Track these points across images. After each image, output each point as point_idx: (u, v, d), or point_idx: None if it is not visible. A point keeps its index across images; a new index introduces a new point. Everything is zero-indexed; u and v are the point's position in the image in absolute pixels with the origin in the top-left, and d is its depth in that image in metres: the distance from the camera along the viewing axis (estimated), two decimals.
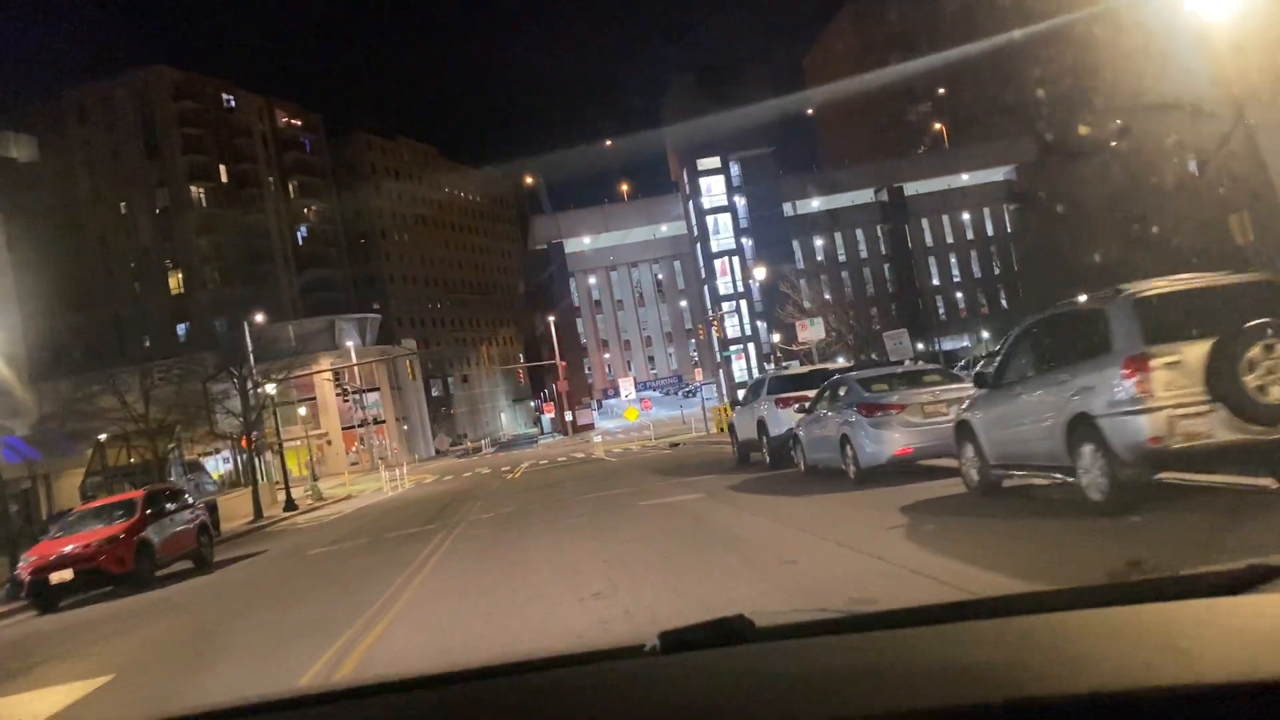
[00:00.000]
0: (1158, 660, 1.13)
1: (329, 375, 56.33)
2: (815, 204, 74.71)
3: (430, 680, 1.63)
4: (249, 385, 35.62)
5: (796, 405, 16.97)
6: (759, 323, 70.34)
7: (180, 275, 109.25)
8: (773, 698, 1.20)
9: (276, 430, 41.32)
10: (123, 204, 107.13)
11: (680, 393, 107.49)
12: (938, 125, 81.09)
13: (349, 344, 63.35)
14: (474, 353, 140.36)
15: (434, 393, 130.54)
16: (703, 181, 71.93)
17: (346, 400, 61.86)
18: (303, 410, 66.05)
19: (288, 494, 36.49)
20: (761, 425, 18.29)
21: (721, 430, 42.04)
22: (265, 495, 39.50)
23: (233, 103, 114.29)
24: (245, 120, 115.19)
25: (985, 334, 73.35)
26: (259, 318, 47.34)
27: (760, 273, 50.77)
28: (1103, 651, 1.20)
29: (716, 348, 72.69)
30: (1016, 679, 1.11)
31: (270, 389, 38.03)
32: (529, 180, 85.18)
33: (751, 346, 70.72)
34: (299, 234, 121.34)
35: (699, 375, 59.32)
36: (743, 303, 67.68)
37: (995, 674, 1.15)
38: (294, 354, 67.04)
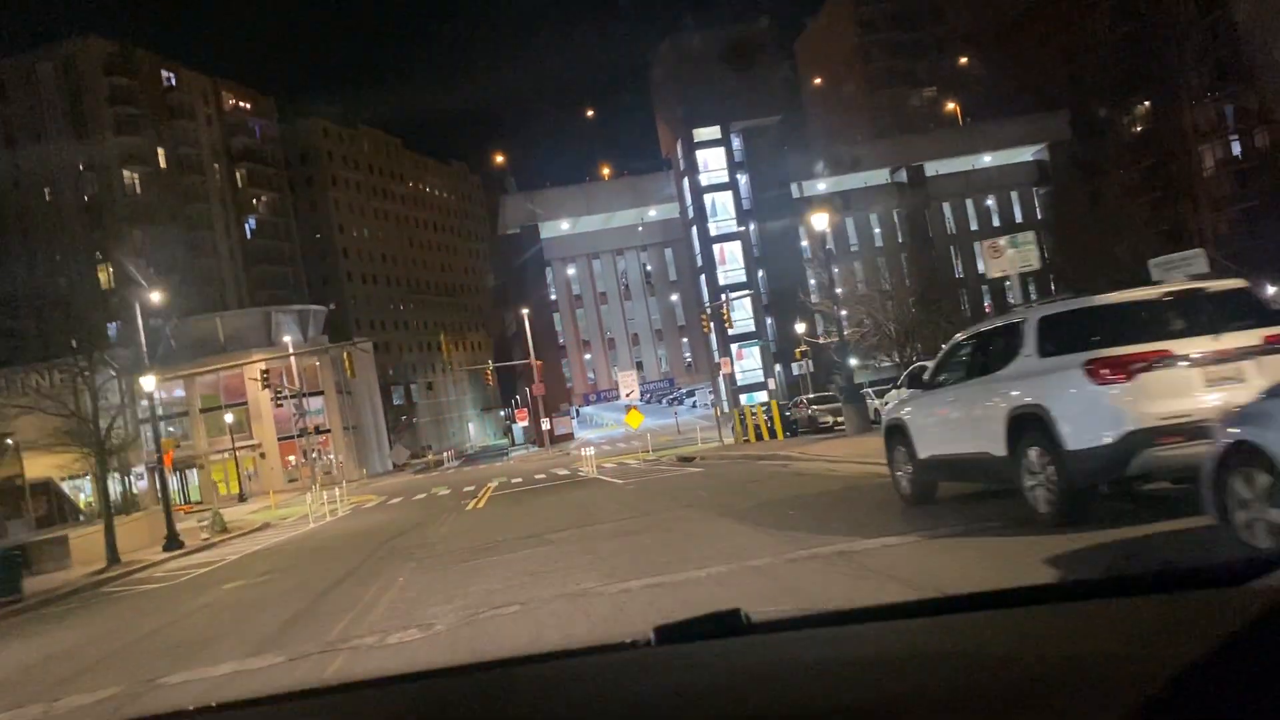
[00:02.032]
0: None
1: (255, 375, 46.59)
2: (823, 185, 65.60)
3: (427, 674, 1.64)
4: (113, 378, 25.82)
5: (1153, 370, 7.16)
6: (767, 318, 61.25)
7: (111, 269, 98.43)
8: (766, 685, 1.22)
9: (156, 440, 31.51)
10: (46, 190, 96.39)
11: (666, 399, 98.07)
12: (959, 99, 72.54)
13: (286, 339, 53.65)
14: (440, 357, 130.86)
15: (396, 400, 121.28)
16: (700, 155, 62.48)
17: (280, 406, 52.15)
18: (229, 417, 56.05)
19: (170, 527, 26.67)
20: (1026, 423, 8.01)
21: (748, 439, 32.84)
22: (143, 529, 29.75)
23: (173, 81, 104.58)
24: (188, 101, 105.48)
25: None
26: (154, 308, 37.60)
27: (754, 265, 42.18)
28: (1106, 637, 1.23)
29: (715, 346, 63.40)
30: (1009, 667, 1.14)
31: (148, 384, 28.11)
32: (499, 159, 75.30)
33: (756, 344, 61.49)
34: (247, 227, 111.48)
35: (681, 378, 50.47)
36: (745, 294, 58.41)
37: (989, 662, 1.17)
38: (222, 350, 57.26)
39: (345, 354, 37.65)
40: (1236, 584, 1.33)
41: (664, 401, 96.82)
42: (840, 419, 35.18)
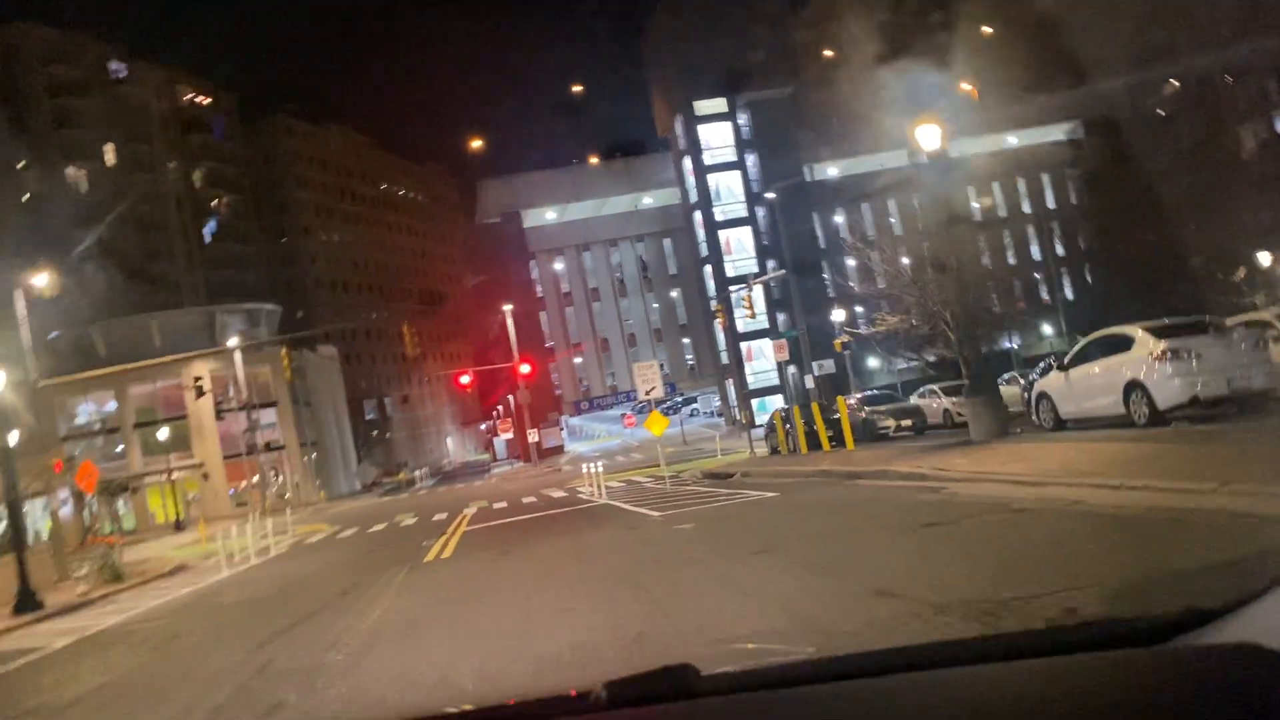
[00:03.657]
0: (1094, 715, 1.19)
1: (189, 383, 39.07)
2: (834, 170, 58.66)
3: None
4: None
5: None
6: (778, 314, 54.18)
7: (54, 273, 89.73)
8: None
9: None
10: None
11: (662, 407, 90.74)
12: (980, 72, 65.85)
13: (233, 342, 46.21)
14: (416, 370, 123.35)
15: (369, 415, 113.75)
16: (703, 132, 55.29)
17: (222, 419, 44.74)
18: (163, 433, 48.35)
19: (22, 579, 19.36)
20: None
21: (788, 450, 25.91)
22: (10, 577, 22.32)
23: (123, 73, 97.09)
24: (139, 95, 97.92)
25: (1043, 330, 58.22)
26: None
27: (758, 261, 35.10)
28: (1049, 699, 1.26)
29: (724, 347, 56.25)
30: None
31: None
32: (475, 144, 67.77)
33: (767, 341, 54.29)
34: (206, 230, 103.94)
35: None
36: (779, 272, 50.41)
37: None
38: (158, 355, 49.71)
39: (282, 351, 30.31)
40: (1170, 638, 1.43)
41: (659, 409, 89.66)
42: (905, 423, 28.21)
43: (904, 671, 1.53)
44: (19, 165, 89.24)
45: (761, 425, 53.03)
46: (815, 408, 26.94)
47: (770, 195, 48.20)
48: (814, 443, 26.79)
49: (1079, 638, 1.59)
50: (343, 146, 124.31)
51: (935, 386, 30.83)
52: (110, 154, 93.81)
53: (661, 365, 71.87)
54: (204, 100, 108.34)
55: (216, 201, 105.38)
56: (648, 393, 21.94)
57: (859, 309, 37.11)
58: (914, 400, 30.61)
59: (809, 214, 57.33)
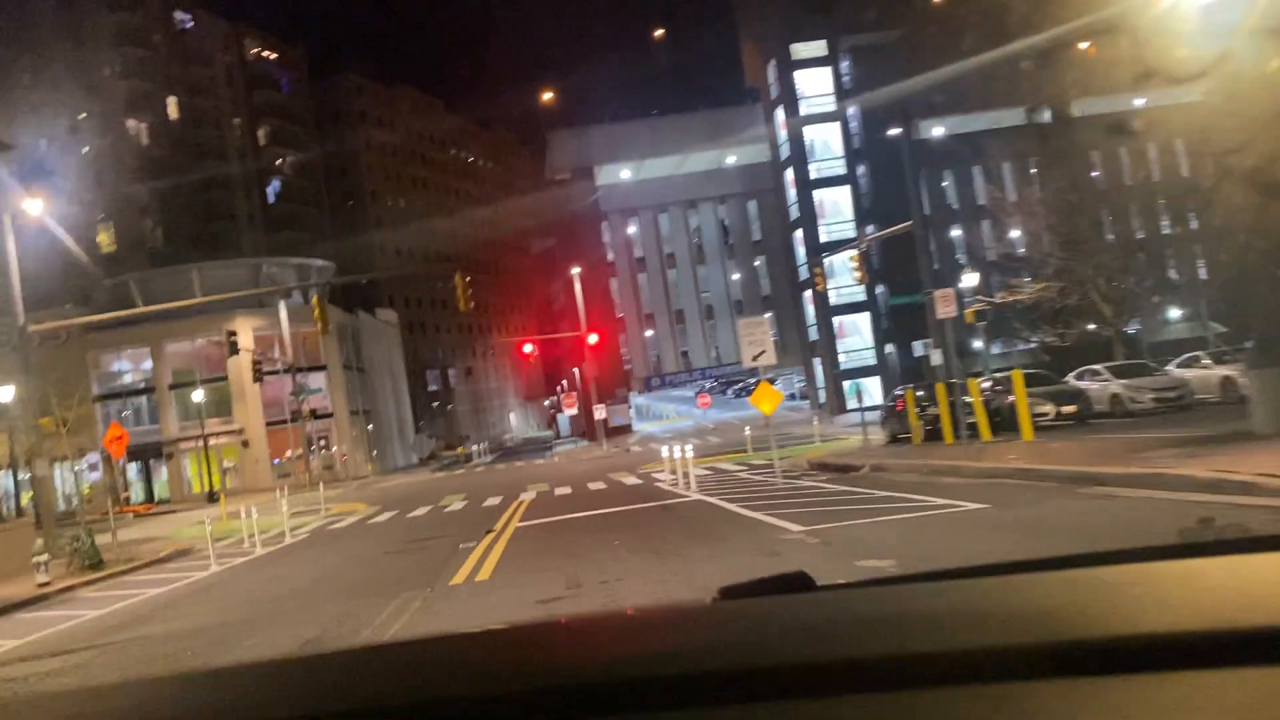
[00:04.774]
0: (1222, 606, 1.14)
1: (219, 338, 34.81)
2: (939, 129, 52.36)
3: (484, 634, 1.65)
4: None
5: None
6: (878, 287, 48.39)
7: (113, 230, 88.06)
8: (830, 636, 1.23)
9: None
10: (43, 141, 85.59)
11: (732, 389, 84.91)
12: (1113, 30, 59.02)
13: (280, 301, 42.14)
14: (481, 340, 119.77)
15: (432, 386, 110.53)
16: (800, 79, 49.26)
17: (260, 381, 40.62)
18: (199, 395, 44.34)
19: None
20: None
21: (921, 439, 20.73)
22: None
23: (189, 23, 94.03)
24: (205, 47, 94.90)
25: (1171, 313, 51.64)
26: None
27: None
28: (1167, 599, 1.22)
29: (814, 320, 50.67)
30: (1077, 623, 1.13)
31: None
32: (547, 96, 62.56)
33: (864, 316, 48.57)
34: (270, 190, 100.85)
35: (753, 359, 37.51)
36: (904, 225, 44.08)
37: (1058, 619, 1.16)
38: (200, 311, 45.74)
39: (314, 298, 25.78)
40: None
41: (729, 391, 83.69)
42: (1066, 409, 22.66)
43: (1035, 572, 1.49)
44: (80, 115, 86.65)
45: (858, 408, 47.47)
46: (941, 389, 21.49)
47: (896, 133, 42.21)
48: (936, 433, 21.57)
49: (1214, 546, 1.48)
50: (411, 108, 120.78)
51: (1099, 367, 25.18)
52: (173, 107, 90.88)
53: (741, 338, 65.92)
54: (271, 55, 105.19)
55: (280, 161, 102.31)
56: (755, 357, 16.73)
57: (965, 281, 31.52)
58: (1071, 382, 24.99)
59: (914, 175, 51.25)
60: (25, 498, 47.59)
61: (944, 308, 17.03)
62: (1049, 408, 22.49)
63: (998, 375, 26.77)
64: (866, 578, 1.70)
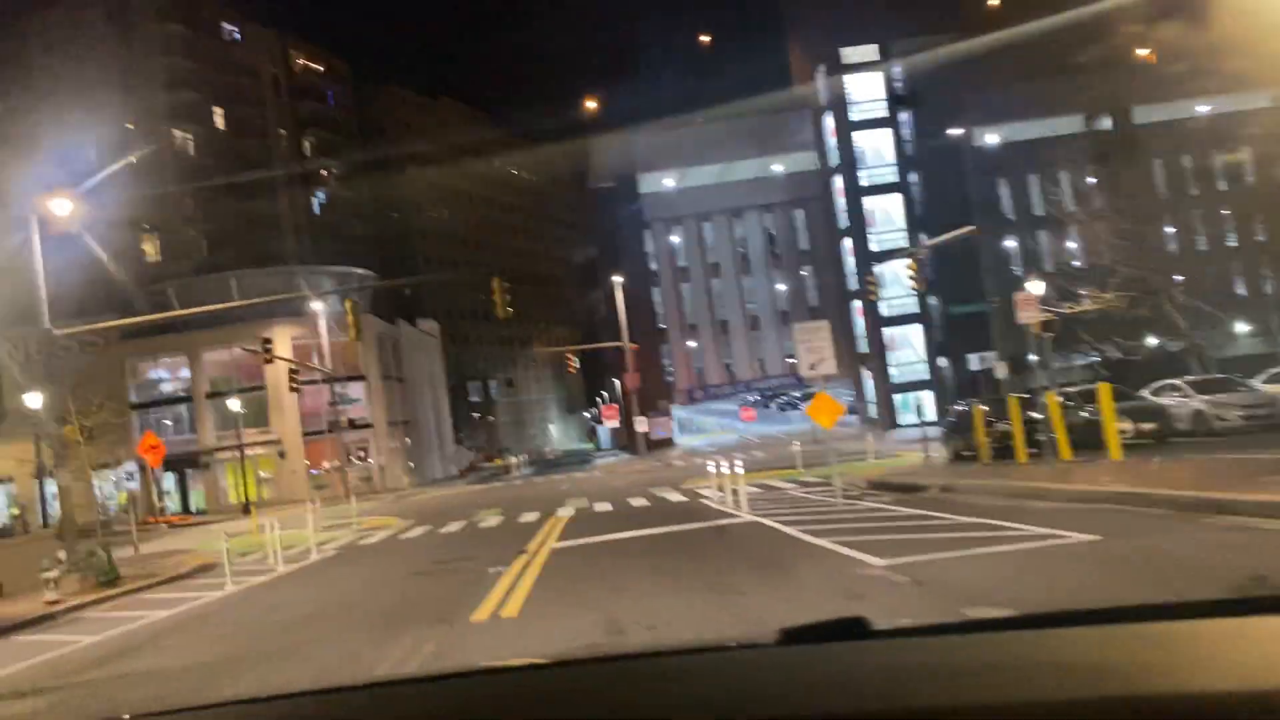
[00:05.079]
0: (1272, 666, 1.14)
1: (255, 347, 33.93)
2: (991, 136, 50.44)
3: (552, 665, 1.61)
4: None
5: None
6: (930, 299, 46.67)
7: (157, 240, 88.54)
8: (887, 684, 1.22)
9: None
10: (90, 150, 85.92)
11: (777, 404, 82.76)
12: (1176, 35, 56.64)
13: (317, 306, 41.36)
14: (522, 353, 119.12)
15: (473, 398, 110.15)
16: (850, 84, 47.64)
17: (296, 389, 39.77)
18: (234, 403, 43.61)
19: None
20: None
21: (989, 457, 19.23)
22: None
23: (237, 35, 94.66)
24: (252, 59, 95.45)
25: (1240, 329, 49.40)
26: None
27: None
28: (1224, 656, 1.21)
29: (864, 332, 48.95)
30: (1133, 678, 1.13)
31: None
32: (590, 105, 61.41)
33: (919, 327, 46.72)
34: (314, 201, 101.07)
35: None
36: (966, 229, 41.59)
37: (1113, 674, 1.16)
38: (238, 319, 45.11)
39: (347, 304, 24.71)
40: None
41: (771, 405, 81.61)
42: (1146, 427, 20.99)
43: (1085, 624, 1.47)
44: (127, 125, 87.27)
45: (913, 424, 45.70)
46: (1014, 403, 19.85)
47: (956, 132, 40.45)
48: (1006, 451, 20.02)
49: (1266, 603, 1.45)
50: (454, 119, 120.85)
51: (1179, 381, 23.39)
52: (219, 118, 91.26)
53: (788, 356, 64.77)
54: (317, 67, 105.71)
55: (325, 172, 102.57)
56: (813, 365, 15.28)
57: (1032, 289, 29.76)
58: (1148, 397, 23.22)
59: (968, 182, 49.53)
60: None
61: (1026, 312, 15.49)
62: (1127, 424, 20.72)
63: (1070, 389, 25.05)
64: (921, 621, 1.61)
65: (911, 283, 30.40)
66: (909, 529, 11.60)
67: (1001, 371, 26.11)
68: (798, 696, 1.18)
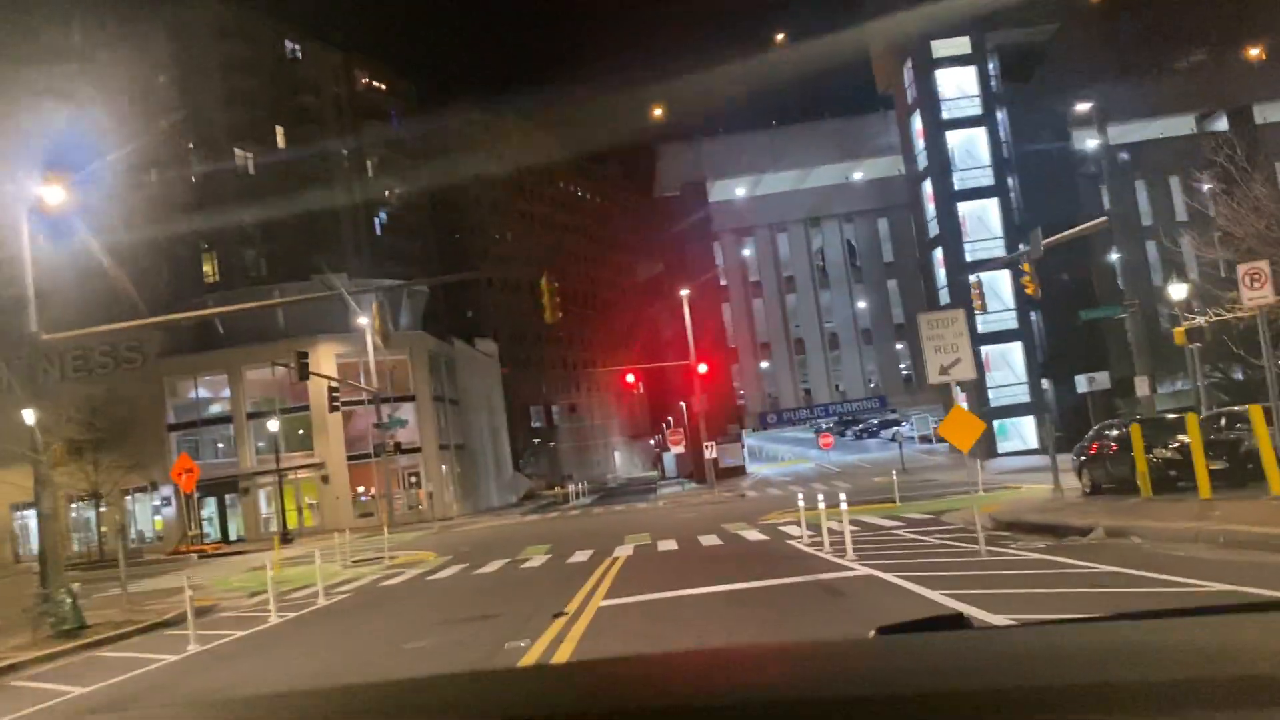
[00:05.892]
0: None
1: (290, 364, 31.09)
2: (1092, 140, 46.00)
3: (652, 658, 1.62)
4: None
5: None
6: (1031, 314, 42.24)
7: (215, 259, 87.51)
8: (986, 668, 1.23)
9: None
10: (153, 170, 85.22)
11: (852, 431, 77.96)
12: None
13: (363, 321, 38.56)
14: (586, 379, 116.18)
15: (535, 423, 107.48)
16: (940, 79, 43.29)
17: (336, 409, 36.95)
18: (273, 424, 40.82)
19: None
20: None
21: (1149, 491, 15.08)
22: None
23: (298, 53, 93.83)
24: (313, 77, 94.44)
25: None
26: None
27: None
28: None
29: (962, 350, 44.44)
30: (1243, 659, 1.14)
31: None
32: (656, 111, 58.07)
33: (1018, 346, 42.24)
34: (376, 221, 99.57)
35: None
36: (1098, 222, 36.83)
37: (1224, 657, 1.17)
38: (283, 335, 42.53)
39: (374, 306, 21.58)
40: None
41: (848, 432, 76.86)
42: None
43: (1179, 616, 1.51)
44: (188, 145, 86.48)
45: (1014, 452, 41.28)
46: (1194, 422, 15.67)
47: (1087, 127, 36.12)
48: (1166, 481, 16.06)
49: None
50: (518, 137, 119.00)
51: None
52: (280, 137, 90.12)
53: (870, 378, 60.24)
54: (380, 85, 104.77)
55: (387, 192, 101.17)
56: (946, 368, 11.53)
57: (1174, 293, 25.38)
58: None
59: (1076, 185, 45.12)
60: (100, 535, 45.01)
61: (1254, 289, 11.39)
62: None
63: (1224, 411, 20.78)
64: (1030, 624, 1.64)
65: (1026, 287, 26.38)
66: (1117, 598, 7.77)
67: (1143, 388, 21.94)
68: (895, 679, 1.18)
